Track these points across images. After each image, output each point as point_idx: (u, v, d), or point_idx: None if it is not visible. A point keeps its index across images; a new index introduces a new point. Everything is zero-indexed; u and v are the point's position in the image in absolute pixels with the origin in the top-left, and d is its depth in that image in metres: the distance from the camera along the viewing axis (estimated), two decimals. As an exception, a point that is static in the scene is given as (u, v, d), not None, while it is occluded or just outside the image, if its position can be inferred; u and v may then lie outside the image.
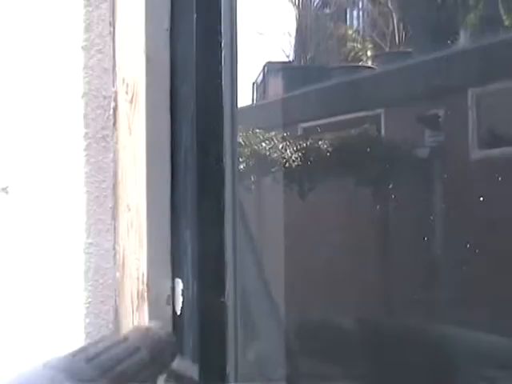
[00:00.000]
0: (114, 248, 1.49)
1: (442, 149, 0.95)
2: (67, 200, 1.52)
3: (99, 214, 1.49)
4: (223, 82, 1.38)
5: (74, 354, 1.08)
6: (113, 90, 1.50)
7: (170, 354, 1.27)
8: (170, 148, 1.42)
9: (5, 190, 1.74)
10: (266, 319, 1.29)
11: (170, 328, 1.35)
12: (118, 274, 1.48)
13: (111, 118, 1.50)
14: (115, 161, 1.50)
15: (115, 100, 1.50)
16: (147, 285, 1.40)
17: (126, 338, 1.20)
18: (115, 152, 1.50)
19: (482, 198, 0.83)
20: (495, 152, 0.88)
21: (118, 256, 1.49)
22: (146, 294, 1.41)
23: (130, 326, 1.44)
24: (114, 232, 1.49)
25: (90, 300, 1.47)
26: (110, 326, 1.48)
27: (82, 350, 1.11)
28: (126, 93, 1.46)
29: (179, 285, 1.40)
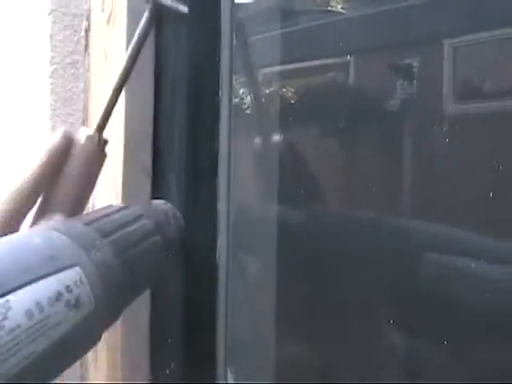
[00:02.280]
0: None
1: (415, 101, 0.84)
2: (33, 138, 1.29)
3: (65, 153, 1.26)
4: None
5: (68, 218, 0.92)
6: (85, 7, 1.27)
7: (177, 229, 1.09)
8: (154, 77, 1.20)
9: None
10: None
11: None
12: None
13: (82, 40, 1.27)
14: (86, 91, 1.27)
15: (88, 19, 1.27)
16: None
17: (126, 206, 1.00)
18: (86, 81, 1.27)
19: (453, 153, 0.73)
20: (472, 106, 0.77)
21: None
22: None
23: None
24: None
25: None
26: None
27: (80, 215, 0.95)
28: (102, 10, 1.23)
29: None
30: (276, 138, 1.17)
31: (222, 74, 1.14)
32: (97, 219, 0.92)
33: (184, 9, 1.10)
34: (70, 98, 1.26)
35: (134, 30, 1.14)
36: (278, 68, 1.23)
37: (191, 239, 1.15)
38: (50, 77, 1.24)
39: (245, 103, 1.19)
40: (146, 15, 1.07)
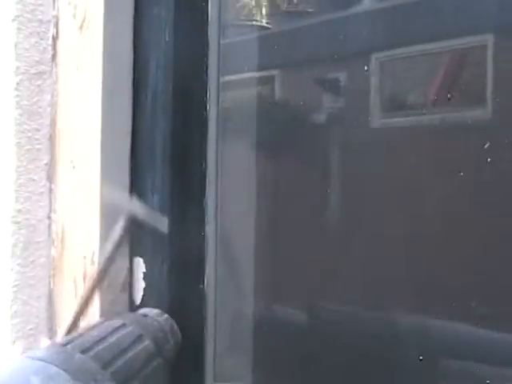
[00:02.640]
0: (49, 217, 1.16)
1: (341, 115, 0.81)
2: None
3: (30, 172, 1.15)
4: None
5: (65, 344, 0.82)
6: (53, 13, 1.16)
7: (174, 346, 0.99)
8: (133, 88, 1.10)
9: None
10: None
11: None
12: (53, 251, 1.15)
13: (50, 49, 1.16)
14: (53, 105, 1.16)
15: (56, 26, 1.16)
16: (98, 266, 1.08)
17: (123, 324, 0.90)
18: (54, 94, 1.16)
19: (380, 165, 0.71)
20: (397, 120, 0.75)
21: (54, 227, 1.15)
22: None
23: (68, 319, 1.11)
24: (50, 196, 1.15)
25: (17, 283, 1.13)
26: (42, 320, 1.15)
27: (74, 338, 0.85)
28: (74, 16, 1.12)
29: (140, 266, 1.09)
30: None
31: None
32: (93, 344, 0.82)
33: (164, 228, 1.04)
34: (36, 111, 1.14)
35: (112, 38, 1.04)
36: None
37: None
38: (15, 89, 1.12)
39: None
40: (120, 223, 1.03)
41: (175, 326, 1.01)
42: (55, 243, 1.15)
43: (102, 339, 0.85)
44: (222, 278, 1.05)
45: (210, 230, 1.05)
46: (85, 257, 1.09)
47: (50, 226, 1.15)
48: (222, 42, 1.05)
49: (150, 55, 1.07)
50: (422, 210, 0.82)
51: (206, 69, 1.05)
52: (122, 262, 1.09)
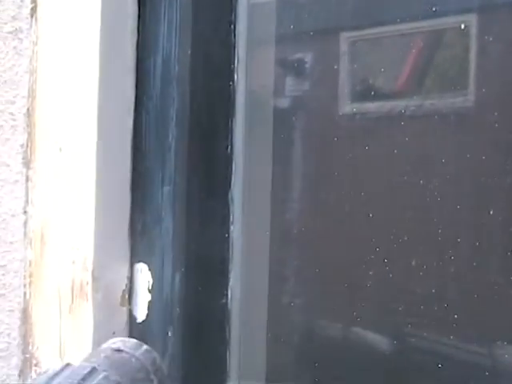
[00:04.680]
0: (26, 211, 0.93)
1: (305, 99, 0.68)
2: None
3: (2, 155, 0.92)
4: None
5: None
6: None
7: None
8: (137, 51, 0.88)
9: None
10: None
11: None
12: (30, 253, 0.92)
13: (28, 2, 0.93)
14: (32, 72, 0.93)
15: (37, -28, 0.93)
16: (93, 273, 0.86)
17: (93, 370, 0.66)
18: (33, 57, 0.93)
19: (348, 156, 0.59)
20: (368, 106, 0.63)
21: (32, 224, 0.93)
22: (88, 289, 0.86)
23: (54, 341, 0.89)
24: (27, 185, 0.92)
25: (-18, 294, 0.90)
26: (14, 339, 0.92)
27: None
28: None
29: (144, 274, 0.87)
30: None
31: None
32: None
33: None
34: (11, 79, 0.91)
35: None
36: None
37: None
38: (-15, 50, 0.89)
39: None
40: None
41: (158, 360, 0.77)
42: (33, 244, 0.92)
43: None
44: (251, 292, 0.84)
45: (235, 230, 0.84)
46: (74, 261, 0.87)
47: (26, 222, 0.93)
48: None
49: (161, 7, 0.86)
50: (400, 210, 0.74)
51: (234, 29, 0.84)
52: (120, 268, 0.87)
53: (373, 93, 0.76)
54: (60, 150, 0.90)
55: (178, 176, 0.85)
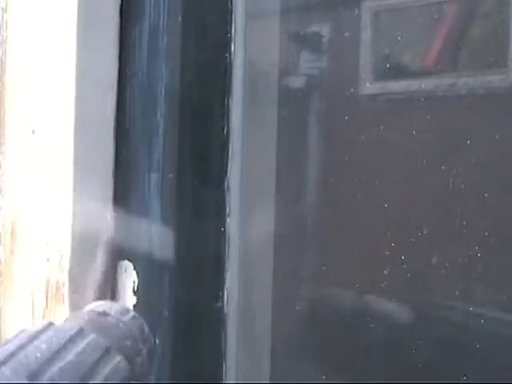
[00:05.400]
0: (-6, 202, 0.82)
1: (319, 78, 0.61)
2: None
3: (-33, 138, 0.81)
4: None
5: None
6: None
7: (148, 358, 0.67)
8: (120, 20, 0.78)
9: None
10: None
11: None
12: (1, 250, 0.82)
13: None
14: (1, 42, 0.82)
15: None
16: (69, 273, 0.75)
17: (80, 331, 0.57)
18: (2, 25, 0.82)
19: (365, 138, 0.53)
20: (391, 85, 0.56)
21: (1, 216, 0.82)
22: (65, 290, 0.76)
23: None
24: (-4, 172, 0.82)
25: None
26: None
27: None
28: None
29: (128, 274, 0.77)
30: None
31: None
32: (40, 367, 0.52)
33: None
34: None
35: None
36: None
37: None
38: None
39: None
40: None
41: (146, 329, 0.68)
42: (2, 239, 0.81)
43: (52, 358, 0.53)
44: (250, 294, 0.74)
45: (232, 223, 0.74)
46: (48, 259, 0.76)
47: (-6, 214, 0.82)
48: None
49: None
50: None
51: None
52: (101, 267, 0.77)
53: (398, 71, 0.66)
54: (33, 132, 0.79)
55: (166, 161, 0.74)
